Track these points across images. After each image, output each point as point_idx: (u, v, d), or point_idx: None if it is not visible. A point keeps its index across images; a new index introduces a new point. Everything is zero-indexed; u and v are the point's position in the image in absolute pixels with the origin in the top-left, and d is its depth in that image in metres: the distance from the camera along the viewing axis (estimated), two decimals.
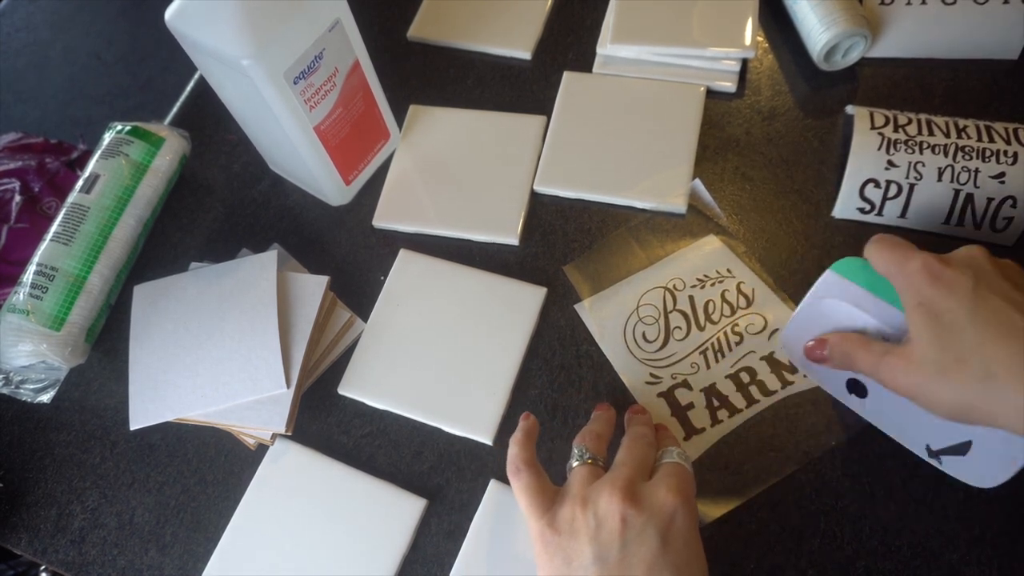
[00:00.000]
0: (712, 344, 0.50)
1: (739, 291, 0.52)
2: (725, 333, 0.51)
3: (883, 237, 0.40)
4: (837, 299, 0.42)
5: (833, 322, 0.43)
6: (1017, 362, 0.34)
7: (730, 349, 0.50)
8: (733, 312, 0.51)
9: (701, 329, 0.51)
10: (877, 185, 0.53)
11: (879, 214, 0.53)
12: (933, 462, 0.43)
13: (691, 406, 0.48)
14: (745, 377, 0.49)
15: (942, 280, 0.37)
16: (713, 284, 0.53)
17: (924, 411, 0.38)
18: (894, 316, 0.40)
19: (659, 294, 0.53)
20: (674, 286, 0.53)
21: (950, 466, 0.42)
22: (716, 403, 0.48)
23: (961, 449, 0.42)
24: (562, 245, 0.56)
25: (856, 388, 0.44)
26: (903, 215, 0.53)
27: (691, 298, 0.52)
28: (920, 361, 0.37)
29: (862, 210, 0.54)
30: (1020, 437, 0.37)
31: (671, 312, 0.52)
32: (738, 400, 0.48)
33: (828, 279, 0.43)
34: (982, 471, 0.41)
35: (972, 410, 0.36)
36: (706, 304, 0.52)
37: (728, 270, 0.53)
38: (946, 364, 0.36)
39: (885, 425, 0.45)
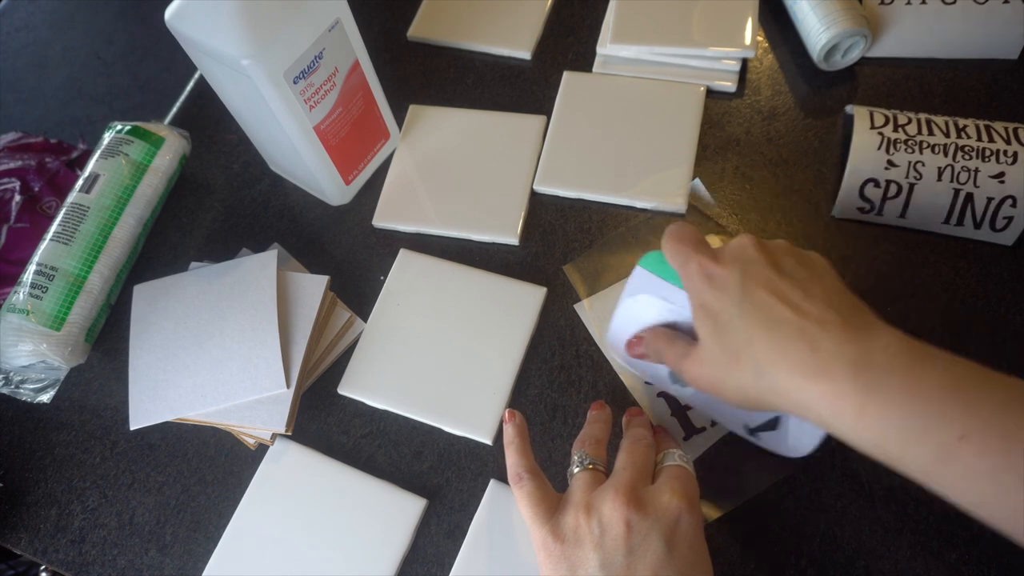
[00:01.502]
0: None
1: None
2: None
3: (671, 231, 0.42)
4: (648, 294, 0.44)
5: (649, 316, 0.45)
6: (778, 354, 0.36)
7: None
8: None
9: None
10: (877, 185, 0.53)
11: (879, 214, 0.53)
12: (752, 439, 0.46)
13: (691, 406, 0.48)
14: None
15: (715, 280, 0.39)
16: None
17: None
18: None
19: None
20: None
21: (766, 441, 0.45)
22: None
23: (772, 425, 0.45)
24: (562, 245, 0.56)
25: (677, 378, 0.47)
26: (903, 215, 0.53)
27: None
28: (707, 360, 0.39)
29: (862, 210, 0.54)
30: None
31: None
32: None
33: (637, 274, 0.45)
34: (793, 442, 0.44)
35: (755, 401, 0.38)
36: None
37: None
38: (726, 361, 0.38)
39: (706, 411, 0.48)
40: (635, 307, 0.46)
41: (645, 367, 0.48)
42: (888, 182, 0.52)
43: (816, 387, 0.35)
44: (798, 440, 0.44)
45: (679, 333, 0.43)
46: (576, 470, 0.41)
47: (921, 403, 0.33)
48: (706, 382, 0.40)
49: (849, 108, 0.57)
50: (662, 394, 0.49)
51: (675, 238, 0.42)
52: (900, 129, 0.53)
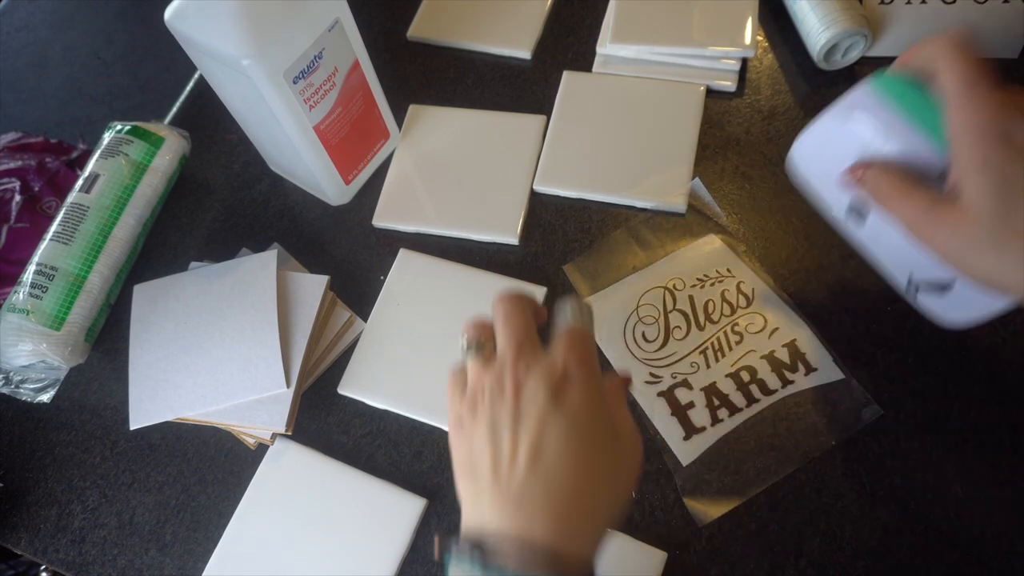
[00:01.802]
0: (712, 343, 0.50)
1: (739, 291, 0.52)
2: (725, 332, 0.51)
3: (959, 43, 0.35)
4: (869, 114, 0.37)
5: (854, 144, 0.38)
6: None
7: (730, 348, 0.50)
8: (733, 312, 0.51)
9: (701, 329, 0.51)
10: None
11: None
12: (909, 295, 0.42)
13: (691, 405, 0.48)
14: (745, 376, 0.49)
15: (1015, 145, 0.33)
16: (713, 284, 0.53)
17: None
18: (929, 157, 0.36)
19: (659, 294, 0.53)
20: (674, 286, 0.53)
21: (925, 301, 0.42)
22: (716, 402, 0.48)
23: (943, 287, 0.40)
24: (562, 244, 0.56)
25: (857, 213, 0.42)
26: None
27: (691, 298, 0.52)
28: (971, 224, 0.33)
29: None
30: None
31: (671, 312, 0.52)
32: (738, 399, 0.48)
33: (865, 91, 0.38)
34: (955, 312, 0.41)
35: (1016, 286, 0.33)
36: (706, 304, 0.52)
37: (728, 270, 0.53)
38: (999, 234, 0.33)
39: (873, 252, 0.43)
40: (844, 126, 0.39)
41: (820, 189, 0.43)
42: None
43: None
44: (960, 312, 0.40)
45: (921, 179, 0.36)
46: (467, 361, 0.39)
47: None
48: (955, 248, 0.34)
49: None
50: (661, 394, 0.49)
51: (966, 57, 0.35)
52: None
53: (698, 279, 0.53)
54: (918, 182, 0.36)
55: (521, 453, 0.34)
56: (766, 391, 0.48)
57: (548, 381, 0.35)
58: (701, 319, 0.51)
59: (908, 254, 0.40)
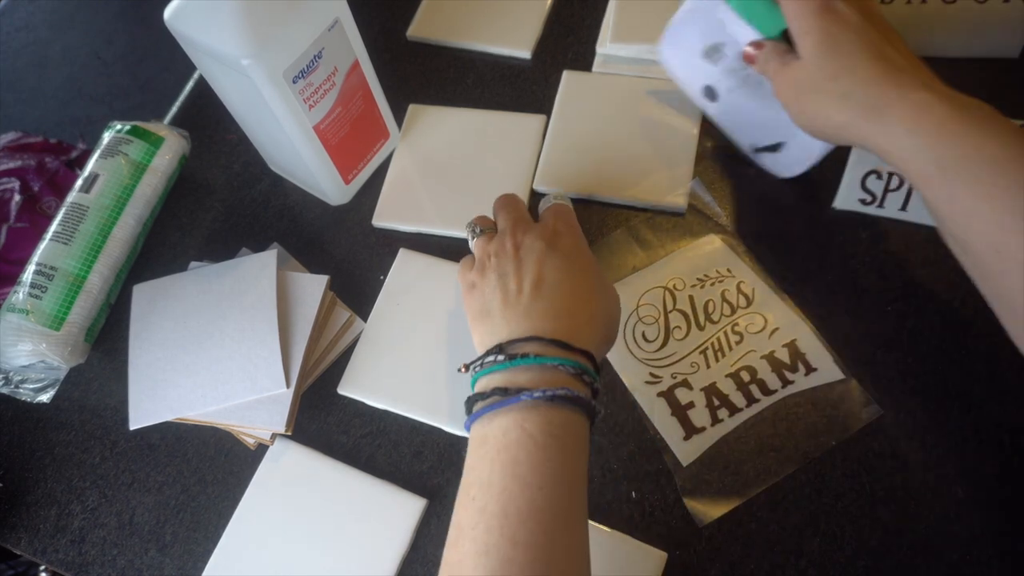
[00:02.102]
0: (712, 344, 0.50)
1: (739, 291, 0.52)
2: (725, 333, 0.51)
3: None
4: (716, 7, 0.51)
5: (710, 31, 0.53)
6: (909, 108, 0.40)
7: (730, 348, 0.50)
8: (733, 312, 0.51)
9: (701, 329, 0.51)
10: (879, 176, 0.53)
11: (880, 206, 0.54)
12: (753, 157, 0.56)
13: (691, 405, 0.48)
14: (745, 376, 0.49)
15: (835, 11, 0.43)
16: (713, 283, 0.53)
17: (759, 117, 0.53)
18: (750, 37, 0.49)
19: (659, 294, 0.53)
20: (674, 286, 0.53)
21: (764, 160, 0.56)
22: (716, 402, 0.48)
23: (776, 148, 0.54)
24: None
25: (709, 93, 0.56)
26: (904, 207, 0.53)
27: (691, 298, 0.52)
28: (803, 71, 0.44)
29: (863, 201, 0.54)
30: (820, 142, 0.49)
31: (671, 312, 0.52)
32: (738, 399, 0.48)
33: None
34: (785, 166, 0.55)
35: (844, 129, 0.42)
36: (706, 304, 0.52)
37: (728, 270, 0.53)
38: (821, 79, 0.42)
39: (725, 125, 0.57)
40: (699, 17, 0.53)
41: (680, 75, 0.57)
42: (891, 174, 0.52)
43: (899, 104, 0.40)
44: (792, 163, 0.54)
45: (789, 49, 0.46)
46: (472, 240, 0.49)
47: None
48: (792, 93, 0.45)
49: None
50: (661, 394, 0.49)
51: None
52: None
53: (698, 279, 0.53)
54: (790, 51, 0.46)
55: (526, 285, 0.42)
56: (766, 391, 0.48)
57: (543, 234, 0.44)
58: (701, 319, 0.51)
59: (750, 125, 0.55)
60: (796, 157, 0.54)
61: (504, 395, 0.38)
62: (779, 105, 0.50)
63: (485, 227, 0.49)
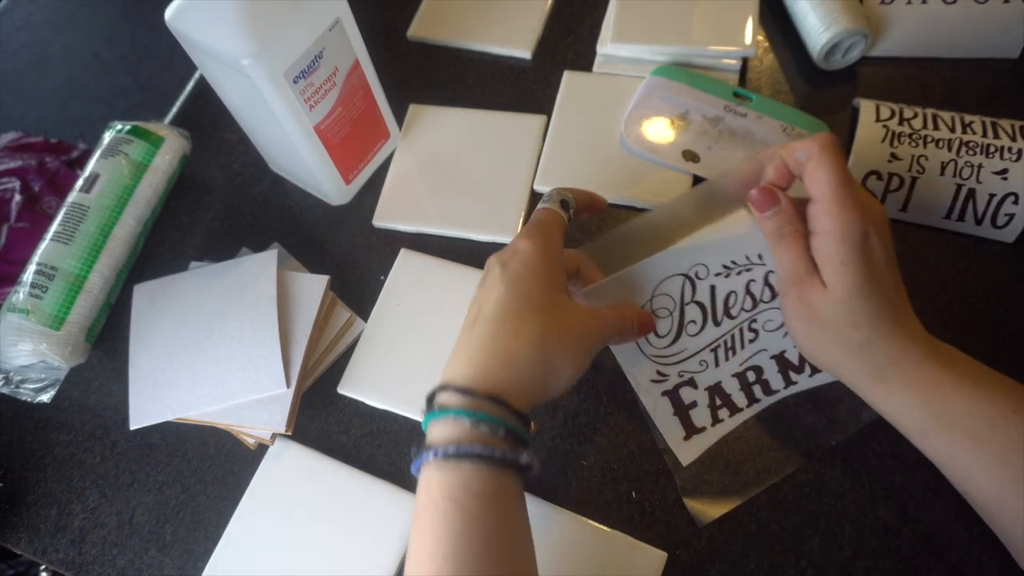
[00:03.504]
0: (725, 341, 0.48)
1: (766, 282, 0.47)
2: (741, 329, 0.47)
3: (831, 144, 0.39)
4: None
5: (672, 103, 0.57)
6: (910, 365, 0.39)
7: (742, 347, 0.47)
8: (755, 305, 0.47)
9: (717, 324, 0.48)
10: (879, 177, 0.53)
11: None
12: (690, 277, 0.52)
13: (694, 404, 0.48)
14: (751, 376, 0.48)
15: (869, 249, 0.39)
16: (740, 273, 0.47)
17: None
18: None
19: (678, 283, 0.47)
20: (696, 274, 0.47)
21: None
22: (718, 402, 0.48)
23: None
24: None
25: (691, 157, 0.56)
26: (904, 208, 0.53)
27: (712, 288, 0.47)
28: (826, 304, 0.39)
29: None
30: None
31: (688, 304, 0.47)
32: (740, 399, 0.48)
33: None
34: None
35: (845, 372, 0.41)
36: (727, 296, 0.47)
37: (760, 256, 0.47)
38: (844, 322, 0.39)
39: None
40: (654, 93, 0.57)
41: (656, 149, 0.57)
42: (891, 175, 0.52)
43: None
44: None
45: (812, 271, 0.41)
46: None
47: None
48: (804, 319, 0.40)
49: (856, 101, 0.57)
50: (666, 393, 0.48)
51: (839, 163, 0.39)
52: (905, 123, 0.53)
53: (724, 267, 0.47)
54: (807, 253, 0.41)
55: (469, 319, 0.40)
56: (768, 391, 0.48)
57: (504, 258, 0.41)
58: (719, 313, 0.47)
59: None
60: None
61: (418, 452, 0.37)
62: (765, 143, 0.51)
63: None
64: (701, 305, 0.48)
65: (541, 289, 0.39)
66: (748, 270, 0.47)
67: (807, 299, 0.40)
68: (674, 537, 0.45)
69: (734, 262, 0.47)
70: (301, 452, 0.50)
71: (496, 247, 0.56)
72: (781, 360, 0.48)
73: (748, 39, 0.60)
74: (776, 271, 0.42)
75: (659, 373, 0.48)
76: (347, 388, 0.52)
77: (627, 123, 0.59)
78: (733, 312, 0.47)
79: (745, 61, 0.62)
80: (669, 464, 0.47)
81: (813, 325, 0.40)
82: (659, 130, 0.58)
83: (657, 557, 0.44)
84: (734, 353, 0.48)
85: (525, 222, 0.57)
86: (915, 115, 0.54)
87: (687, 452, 0.47)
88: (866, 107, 0.55)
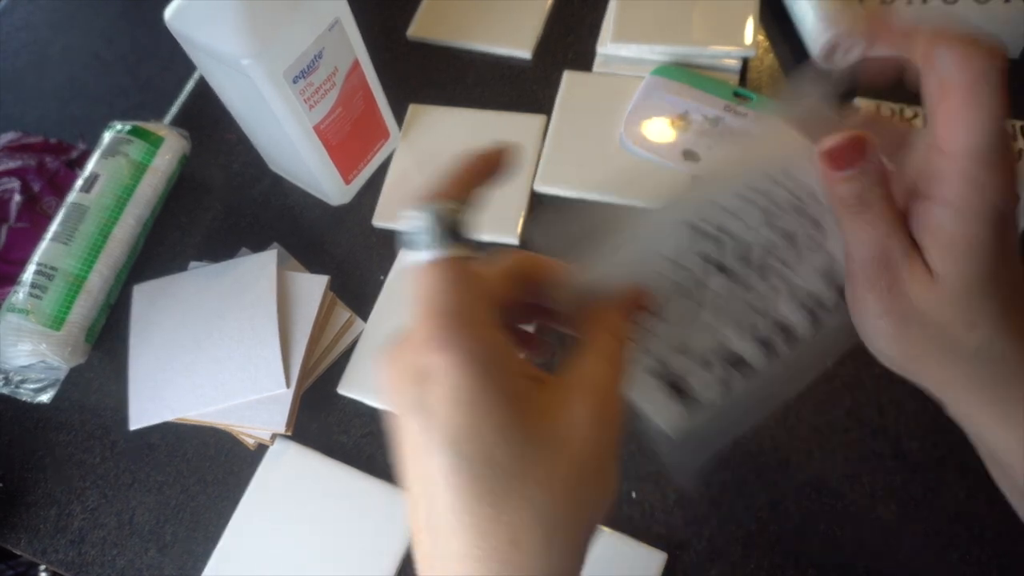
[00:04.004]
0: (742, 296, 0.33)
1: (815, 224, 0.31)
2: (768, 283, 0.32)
3: (994, 69, 0.28)
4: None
5: (672, 103, 0.55)
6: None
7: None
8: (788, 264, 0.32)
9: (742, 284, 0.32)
10: None
11: None
12: None
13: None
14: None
15: (1003, 236, 0.27)
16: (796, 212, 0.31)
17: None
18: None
19: (687, 238, 0.32)
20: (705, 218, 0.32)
21: None
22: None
23: None
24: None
25: (691, 156, 0.55)
26: None
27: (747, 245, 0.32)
28: (935, 295, 0.27)
29: None
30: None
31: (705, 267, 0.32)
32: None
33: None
34: None
35: (940, 379, 0.29)
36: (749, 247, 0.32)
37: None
38: (951, 329, 0.28)
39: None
40: (653, 94, 0.55)
41: (656, 149, 0.55)
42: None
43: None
44: None
45: (902, 219, 0.28)
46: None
47: None
48: (898, 319, 0.28)
49: (856, 102, 0.57)
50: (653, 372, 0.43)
51: (998, 102, 0.26)
52: (906, 123, 0.53)
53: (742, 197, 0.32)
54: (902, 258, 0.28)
55: (415, 525, 0.25)
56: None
57: (404, 394, 0.24)
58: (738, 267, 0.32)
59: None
60: None
61: None
62: None
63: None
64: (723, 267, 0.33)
65: (511, 437, 0.23)
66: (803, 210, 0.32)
67: (901, 292, 0.28)
68: (674, 537, 0.45)
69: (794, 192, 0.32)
70: (301, 452, 0.50)
71: (496, 247, 0.56)
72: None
73: (748, 39, 0.60)
74: (850, 252, 0.29)
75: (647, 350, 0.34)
76: (347, 388, 0.52)
77: (627, 123, 0.59)
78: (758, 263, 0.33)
79: (745, 61, 0.62)
80: (654, 441, 0.40)
81: (908, 326, 0.28)
82: (659, 130, 0.58)
83: (657, 557, 0.44)
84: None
85: (525, 222, 0.57)
86: (916, 115, 0.54)
87: (675, 424, 0.37)
88: (867, 107, 0.55)
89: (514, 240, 0.56)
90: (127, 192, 0.58)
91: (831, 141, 0.29)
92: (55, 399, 0.55)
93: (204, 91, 0.67)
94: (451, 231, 0.26)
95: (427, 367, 0.23)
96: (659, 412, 0.34)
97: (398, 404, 0.24)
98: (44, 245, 0.55)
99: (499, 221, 0.57)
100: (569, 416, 0.25)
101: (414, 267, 0.25)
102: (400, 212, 0.26)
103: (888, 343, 0.29)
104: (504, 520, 0.23)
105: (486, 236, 0.57)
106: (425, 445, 0.23)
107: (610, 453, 0.25)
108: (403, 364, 0.24)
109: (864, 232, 0.29)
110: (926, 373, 0.30)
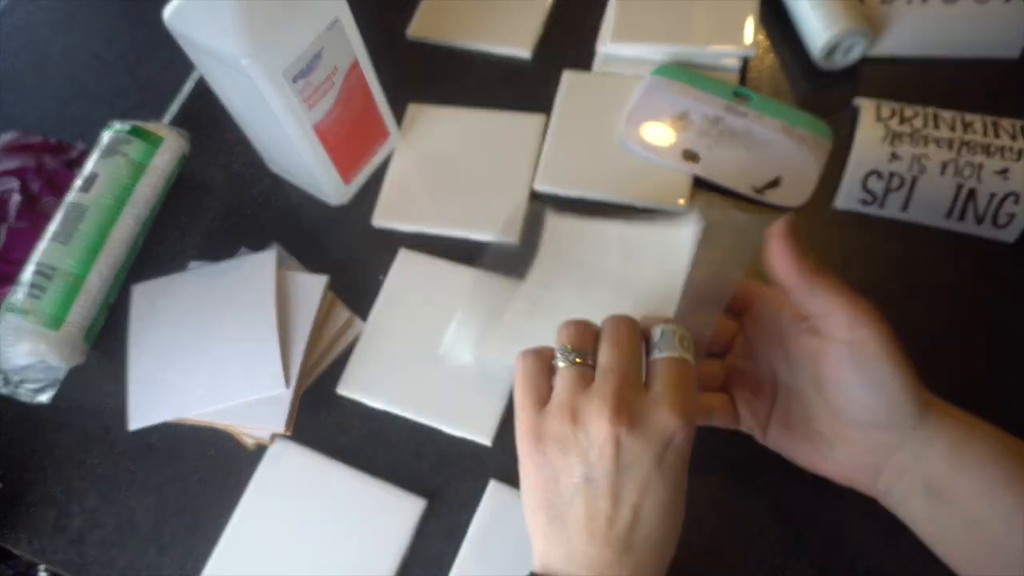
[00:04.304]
0: None
1: None
2: None
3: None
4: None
5: (672, 102, 0.57)
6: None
7: None
8: None
9: None
10: (880, 177, 0.53)
11: (881, 206, 0.53)
12: (758, 197, 0.55)
13: None
14: None
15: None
16: None
17: (748, 162, 0.54)
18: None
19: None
20: None
21: (768, 198, 0.55)
22: None
23: (776, 183, 0.55)
24: None
25: (690, 156, 0.56)
26: (905, 208, 0.53)
27: None
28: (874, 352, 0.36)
29: (864, 201, 0.54)
30: (817, 164, 0.53)
31: None
32: None
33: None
34: (794, 195, 0.55)
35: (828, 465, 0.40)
36: None
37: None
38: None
39: (717, 179, 0.55)
40: (654, 92, 0.57)
41: (656, 149, 0.56)
42: (891, 174, 0.52)
43: None
44: (797, 193, 0.54)
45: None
46: (560, 365, 0.37)
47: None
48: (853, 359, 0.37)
49: (856, 101, 0.57)
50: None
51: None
52: (906, 122, 0.53)
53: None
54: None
55: (622, 516, 0.33)
56: None
57: (656, 447, 0.34)
58: None
59: (743, 172, 0.55)
60: (798, 185, 0.54)
61: None
62: (766, 143, 0.51)
63: (584, 351, 0.37)
64: None
65: (684, 477, 0.36)
66: None
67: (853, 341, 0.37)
68: None
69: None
70: (300, 452, 0.50)
71: (496, 246, 0.56)
72: None
73: (748, 39, 0.60)
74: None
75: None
76: (346, 388, 0.52)
77: (627, 123, 0.59)
78: None
79: (745, 61, 0.62)
80: None
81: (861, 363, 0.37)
82: (659, 130, 0.58)
83: None
84: None
85: (526, 223, 0.57)
86: (916, 114, 0.54)
87: None
88: (866, 107, 0.55)
89: (514, 240, 0.56)
90: (126, 192, 0.58)
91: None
92: (55, 399, 0.55)
93: (204, 91, 0.67)
94: (689, 342, 0.37)
95: (675, 437, 0.34)
96: None
97: (639, 453, 0.34)
98: (43, 245, 0.55)
99: (499, 221, 0.57)
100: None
101: (680, 362, 0.36)
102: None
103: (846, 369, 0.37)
104: (676, 532, 0.36)
105: (486, 236, 0.57)
106: (651, 484, 0.34)
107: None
108: (654, 425, 0.34)
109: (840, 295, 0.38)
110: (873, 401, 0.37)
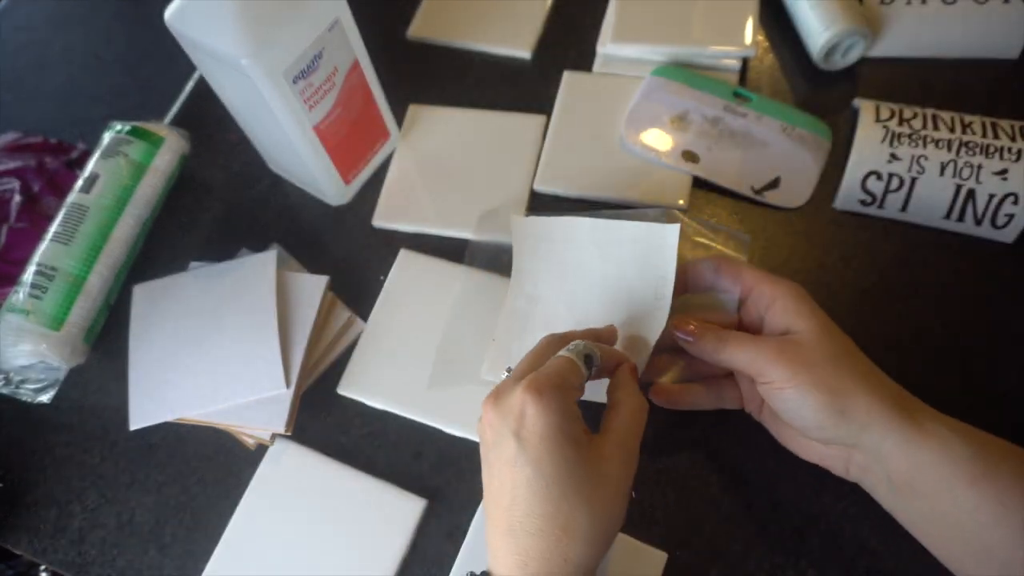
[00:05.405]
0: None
1: None
2: None
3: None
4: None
5: (672, 103, 0.58)
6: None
7: None
8: None
9: None
10: (879, 177, 0.53)
11: (880, 207, 0.54)
12: (757, 197, 0.55)
13: None
14: None
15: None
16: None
17: (747, 162, 0.56)
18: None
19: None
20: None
21: (769, 199, 0.55)
22: None
23: (776, 183, 0.55)
24: None
25: (690, 157, 0.56)
26: (904, 208, 0.53)
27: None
28: (810, 354, 0.39)
29: (863, 202, 0.54)
30: (816, 165, 0.55)
31: None
32: None
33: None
34: (793, 196, 0.56)
35: (822, 421, 0.39)
36: None
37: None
38: (831, 371, 0.39)
39: (717, 179, 0.56)
40: (654, 93, 0.58)
41: (656, 149, 0.57)
42: (891, 175, 0.52)
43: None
44: (796, 194, 0.55)
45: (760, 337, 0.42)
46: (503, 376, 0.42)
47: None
48: (791, 368, 0.39)
49: (856, 102, 0.57)
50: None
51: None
52: (905, 123, 0.53)
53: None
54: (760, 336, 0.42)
55: (504, 494, 0.36)
56: None
57: (512, 421, 0.36)
58: None
59: (742, 172, 0.56)
60: (798, 186, 0.55)
61: None
62: (765, 144, 0.52)
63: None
64: None
65: (572, 466, 0.35)
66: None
67: (787, 354, 0.39)
68: (674, 537, 0.45)
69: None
70: (301, 452, 0.50)
71: (496, 245, 0.56)
72: None
73: (748, 39, 0.60)
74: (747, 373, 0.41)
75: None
76: (347, 388, 0.52)
77: (627, 123, 0.59)
78: None
79: (745, 61, 0.62)
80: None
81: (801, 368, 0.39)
82: (659, 130, 0.58)
83: (657, 557, 0.44)
84: None
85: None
86: (915, 115, 0.54)
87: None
88: (866, 107, 0.55)
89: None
90: (127, 192, 0.58)
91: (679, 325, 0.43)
92: (55, 399, 0.55)
93: (204, 91, 0.67)
94: (586, 358, 0.39)
95: (525, 409, 0.36)
96: None
97: (499, 429, 0.36)
98: (44, 245, 0.55)
99: (499, 221, 0.57)
100: (608, 460, 0.37)
101: (557, 357, 0.39)
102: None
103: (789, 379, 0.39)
104: (561, 516, 0.35)
105: (486, 236, 0.57)
106: (516, 460, 0.35)
107: (628, 487, 0.37)
108: (509, 402, 0.37)
109: (738, 355, 0.41)
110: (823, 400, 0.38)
